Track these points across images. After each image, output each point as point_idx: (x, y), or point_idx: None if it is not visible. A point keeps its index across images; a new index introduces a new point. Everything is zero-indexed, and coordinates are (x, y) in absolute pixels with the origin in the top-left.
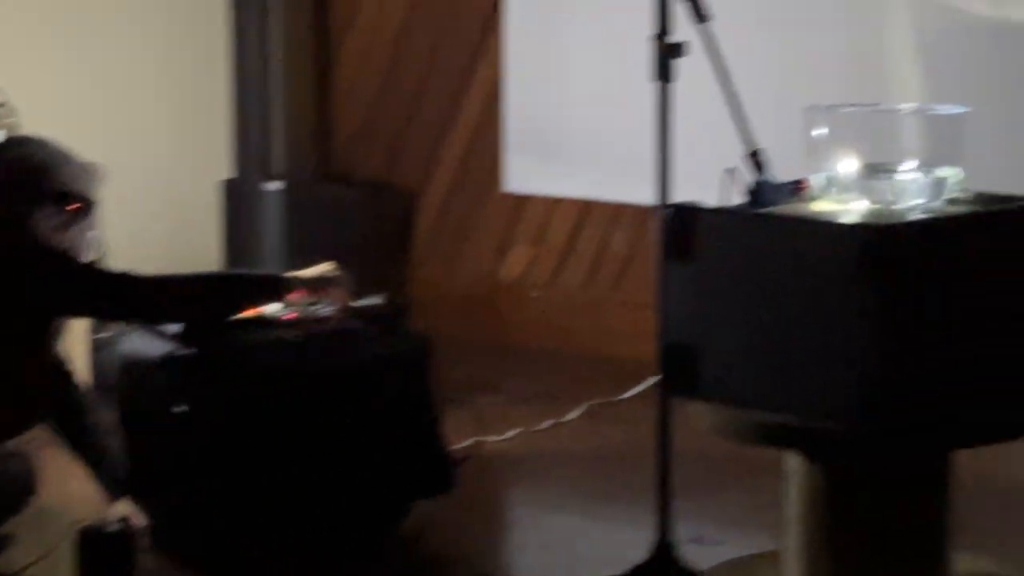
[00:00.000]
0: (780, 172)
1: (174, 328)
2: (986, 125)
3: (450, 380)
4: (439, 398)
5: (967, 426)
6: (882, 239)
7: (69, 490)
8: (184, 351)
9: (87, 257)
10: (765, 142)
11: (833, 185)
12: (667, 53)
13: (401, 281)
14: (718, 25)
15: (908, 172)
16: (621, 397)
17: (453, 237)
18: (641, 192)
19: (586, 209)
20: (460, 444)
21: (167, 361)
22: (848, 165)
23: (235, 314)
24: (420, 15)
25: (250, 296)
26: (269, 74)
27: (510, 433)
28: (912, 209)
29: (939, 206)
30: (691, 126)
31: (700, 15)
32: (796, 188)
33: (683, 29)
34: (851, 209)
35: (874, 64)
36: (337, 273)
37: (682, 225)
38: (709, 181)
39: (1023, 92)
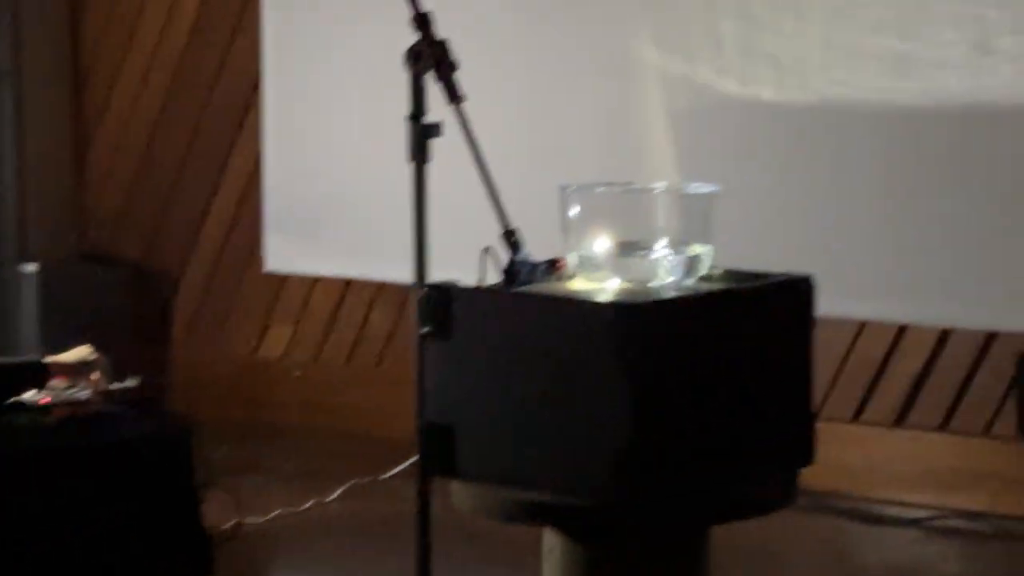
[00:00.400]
0: (536, 251)
1: None
2: (738, 203)
3: (211, 461)
4: (199, 480)
5: (720, 501)
6: (634, 317)
7: None
8: None
9: None
10: (521, 221)
11: (588, 264)
12: (422, 134)
13: (161, 363)
14: (473, 105)
15: (661, 250)
16: (383, 476)
17: (214, 318)
18: (401, 270)
19: (347, 288)
20: (221, 526)
21: None
22: (602, 244)
23: None
24: (180, 95)
25: (6, 382)
26: (25, 156)
27: (272, 513)
28: (665, 287)
29: (692, 284)
30: (448, 205)
31: (454, 96)
32: (552, 267)
33: (438, 110)
34: (605, 287)
35: (628, 143)
36: (94, 356)
37: (439, 304)
38: (467, 260)
39: (772, 170)
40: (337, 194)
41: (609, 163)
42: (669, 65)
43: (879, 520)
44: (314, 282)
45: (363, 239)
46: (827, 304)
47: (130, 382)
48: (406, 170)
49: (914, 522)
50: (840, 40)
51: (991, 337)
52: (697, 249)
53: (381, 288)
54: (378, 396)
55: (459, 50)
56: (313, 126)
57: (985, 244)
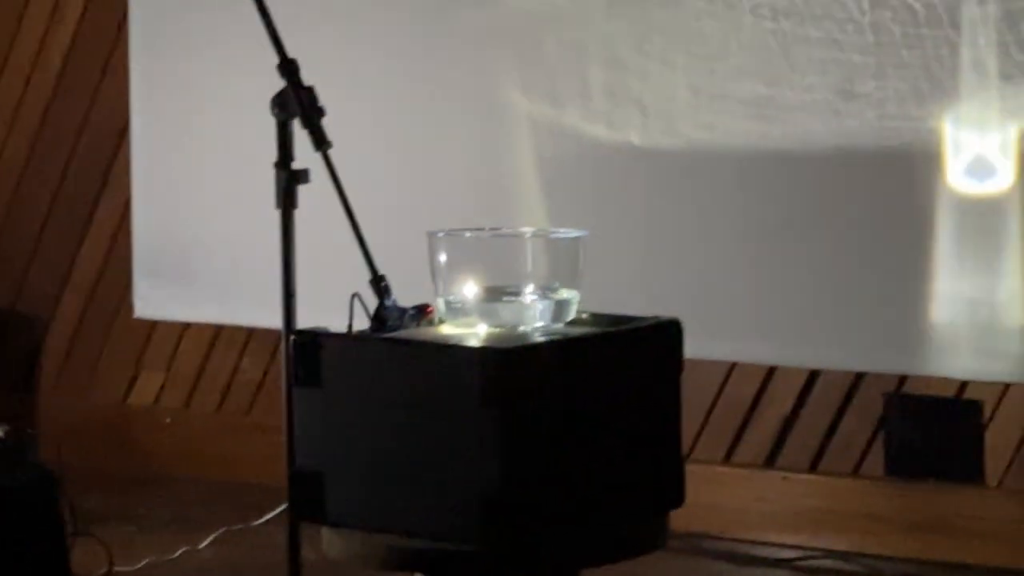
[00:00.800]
0: (404, 297)
1: None
2: (606, 246)
3: (81, 510)
4: (69, 528)
5: (591, 544)
6: (502, 362)
7: None
8: None
9: None
10: (390, 267)
11: (456, 309)
12: (289, 180)
13: (30, 410)
14: (340, 151)
15: (529, 295)
16: (255, 523)
17: (84, 364)
18: (271, 316)
19: (217, 334)
20: (91, 575)
21: None
22: (470, 289)
23: None
24: (48, 138)
25: None
26: None
27: (142, 562)
28: (533, 332)
29: (560, 328)
30: (317, 251)
31: (321, 142)
32: (420, 313)
33: (306, 156)
34: (474, 332)
35: (496, 188)
36: None
37: (308, 351)
38: (337, 306)
39: (640, 214)
40: (207, 240)
41: (478, 208)
42: (537, 110)
43: (750, 561)
44: (184, 328)
45: (233, 285)
46: (697, 346)
47: None
48: (275, 216)
49: (784, 562)
50: (705, 85)
51: (858, 378)
52: (565, 293)
53: (252, 334)
54: (249, 443)
55: (326, 96)
56: (182, 171)
57: (852, 286)
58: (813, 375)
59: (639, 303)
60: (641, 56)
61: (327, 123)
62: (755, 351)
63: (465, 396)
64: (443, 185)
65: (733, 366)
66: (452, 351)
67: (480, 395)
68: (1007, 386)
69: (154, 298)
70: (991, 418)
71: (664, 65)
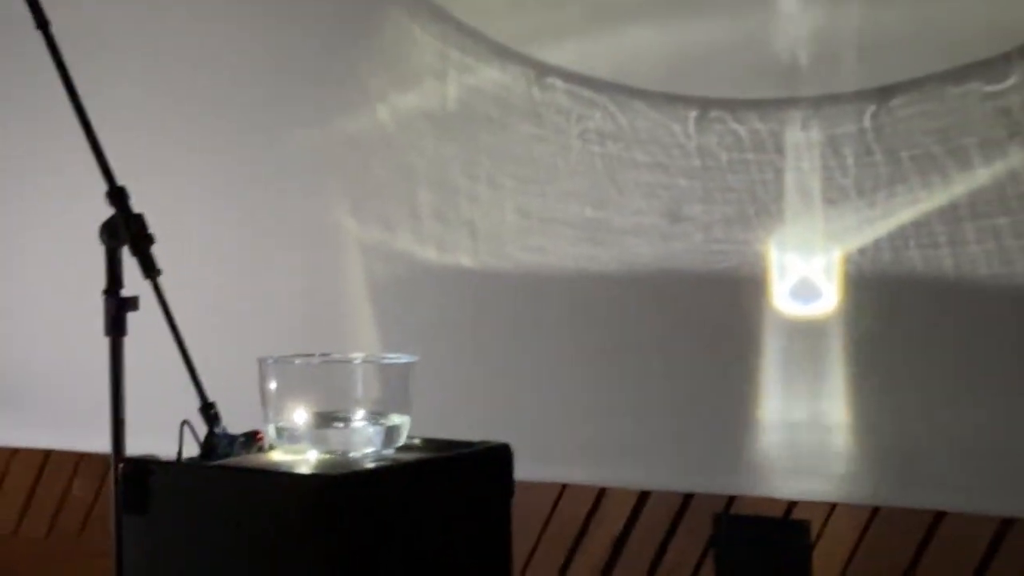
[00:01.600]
0: (235, 424)
1: None
2: (437, 371)
3: None
4: None
5: None
6: (332, 488)
7: None
8: None
9: None
10: (220, 393)
11: (287, 435)
12: (118, 307)
13: None
14: (169, 279)
15: (360, 421)
16: None
17: None
18: (101, 441)
19: (46, 459)
20: None
21: None
22: (301, 415)
23: None
24: None
25: None
26: None
27: None
28: (364, 458)
29: (391, 454)
30: (147, 378)
31: (150, 270)
32: (251, 440)
33: (135, 283)
34: (305, 459)
35: (327, 313)
36: None
37: (136, 478)
38: (167, 433)
39: (471, 337)
40: (35, 366)
41: (309, 333)
42: (367, 233)
43: None
44: (12, 454)
45: (62, 410)
46: (528, 469)
47: None
48: (104, 343)
49: None
50: (535, 208)
51: (688, 498)
52: (396, 419)
53: (82, 459)
54: (79, 570)
55: (155, 224)
56: (11, 297)
57: (681, 407)
58: (643, 496)
59: (470, 427)
60: (470, 179)
61: (157, 249)
62: (586, 473)
63: (295, 523)
64: (274, 310)
65: (564, 488)
66: (281, 478)
67: (310, 522)
68: (833, 506)
69: None
70: (818, 538)
71: (493, 188)
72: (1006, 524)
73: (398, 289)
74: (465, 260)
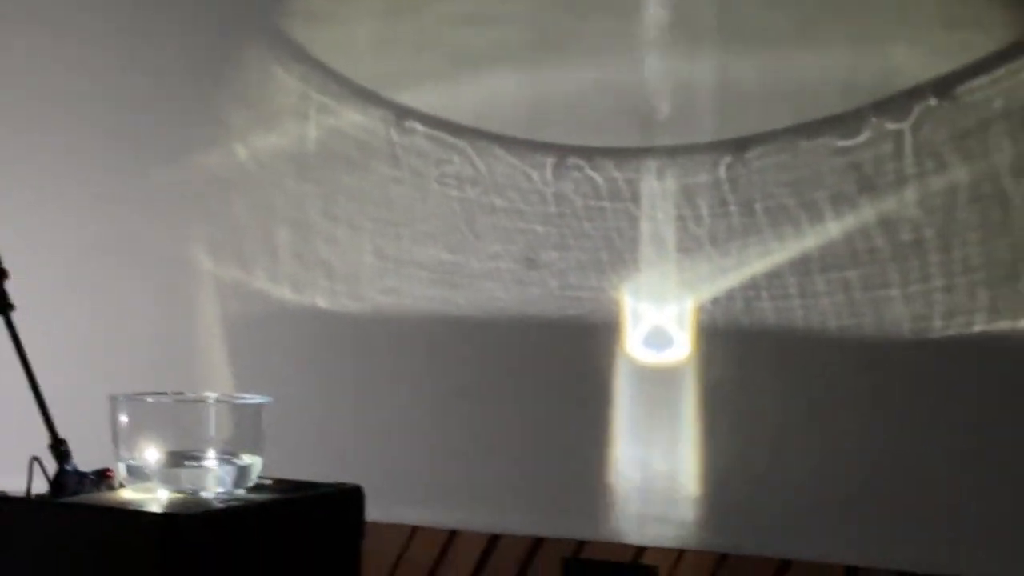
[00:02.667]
0: (86, 461)
1: None
2: (291, 411)
3: None
4: None
5: None
6: (182, 528)
7: None
8: None
9: None
10: (71, 430)
11: (137, 473)
12: None
13: None
14: (22, 313)
15: (211, 460)
16: None
17: None
18: None
19: None
20: None
21: None
22: (152, 454)
23: None
24: None
25: None
26: None
27: None
28: (215, 497)
29: (242, 494)
30: None
31: (2, 304)
32: (101, 477)
33: None
34: (155, 497)
35: (182, 351)
36: None
37: None
38: (16, 469)
39: (325, 378)
40: None
41: (163, 370)
42: (224, 271)
43: None
44: None
45: None
46: (379, 511)
47: None
48: None
49: None
50: (391, 250)
51: (538, 542)
52: (247, 459)
53: None
54: None
55: (9, 258)
56: None
57: (533, 452)
58: (493, 539)
59: (323, 468)
60: (328, 219)
61: (10, 284)
62: (436, 515)
63: (143, 562)
64: (128, 347)
65: (415, 530)
66: (130, 516)
67: (158, 562)
68: (681, 552)
69: None
70: None
71: (351, 229)
72: (850, 572)
73: (253, 328)
74: (321, 300)
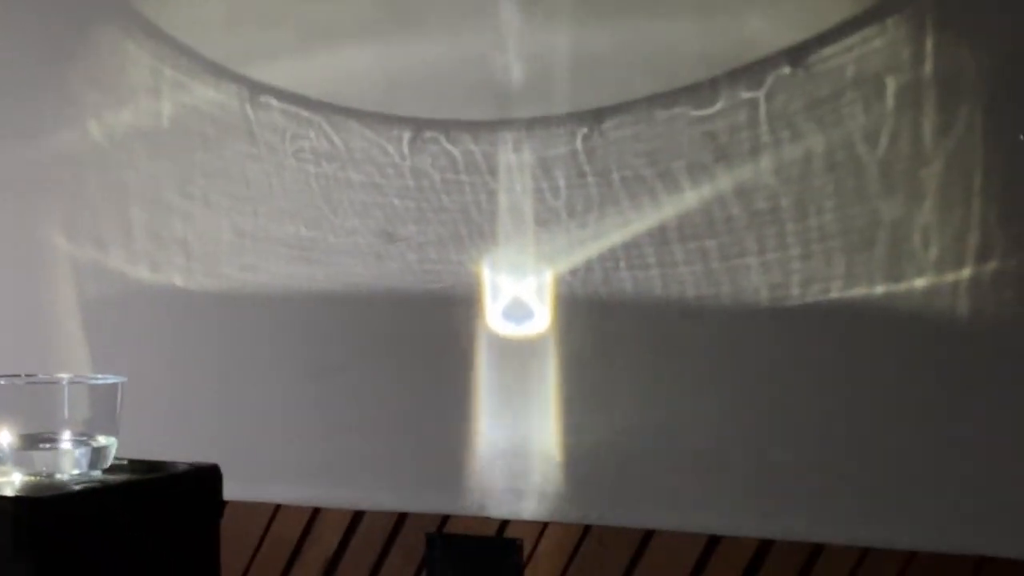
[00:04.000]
0: None
1: None
2: (149, 391)
3: None
4: None
5: None
6: (36, 511)
7: None
8: None
9: None
10: None
11: None
12: None
13: None
14: None
15: (66, 442)
16: None
17: None
18: None
19: None
20: None
21: None
22: (5, 437)
23: None
24: None
25: None
26: None
27: None
28: (71, 480)
29: (97, 475)
30: None
31: None
32: None
33: None
34: (9, 481)
35: (38, 333)
36: None
37: None
38: None
39: (183, 357)
40: None
41: (17, 352)
42: (79, 252)
43: None
44: None
45: None
46: (240, 490)
47: None
48: None
49: None
50: (248, 227)
51: (402, 518)
52: (103, 440)
53: None
54: None
55: None
56: None
57: (395, 427)
58: (357, 516)
59: (181, 448)
60: (184, 198)
61: None
62: (299, 493)
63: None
64: None
65: (277, 508)
66: None
67: (13, 546)
68: (545, 525)
69: None
70: (530, 556)
71: (207, 207)
72: (713, 541)
73: (109, 308)
74: (178, 279)
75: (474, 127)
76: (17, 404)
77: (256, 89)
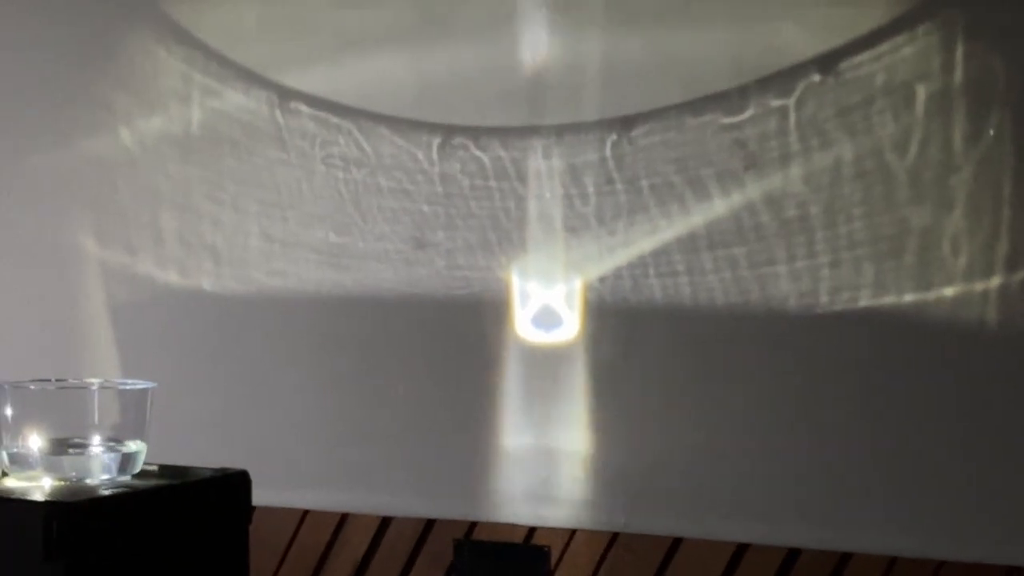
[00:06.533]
0: None
1: None
2: (178, 396)
3: None
4: None
5: None
6: (67, 516)
7: None
8: None
9: None
10: None
11: (20, 462)
12: None
13: None
14: None
15: (96, 447)
16: None
17: None
18: None
19: None
20: None
21: None
22: (35, 441)
23: None
24: None
25: None
26: None
27: None
28: (100, 485)
29: (126, 480)
30: None
31: None
32: None
33: None
34: (39, 486)
35: (68, 335)
36: None
37: None
38: None
39: (213, 362)
40: None
41: (46, 358)
42: (109, 256)
43: None
44: None
45: None
46: (270, 495)
47: None
48: None
49: None
50: (278, 232)
51: (429, 524)
52: (132, 445)
53: None
54: None
55: None
56: None
57: (423, 433)
58: (385, 522)
59: (210, 453)
60: (214, 203)
61: None
62: (328, 499)
63: (29, 551)
64: (11, 333)
65: (305, 514)
66: (13, 505)
67: (44, 550)
68: (573, 532)
69: None
70: (559, 563)
71: (237, 212)
72: (741, 549)
73: (139, 313)
74: (207, 284)
75: (503, 133)
76: (47, 409)
77: (286, 95)
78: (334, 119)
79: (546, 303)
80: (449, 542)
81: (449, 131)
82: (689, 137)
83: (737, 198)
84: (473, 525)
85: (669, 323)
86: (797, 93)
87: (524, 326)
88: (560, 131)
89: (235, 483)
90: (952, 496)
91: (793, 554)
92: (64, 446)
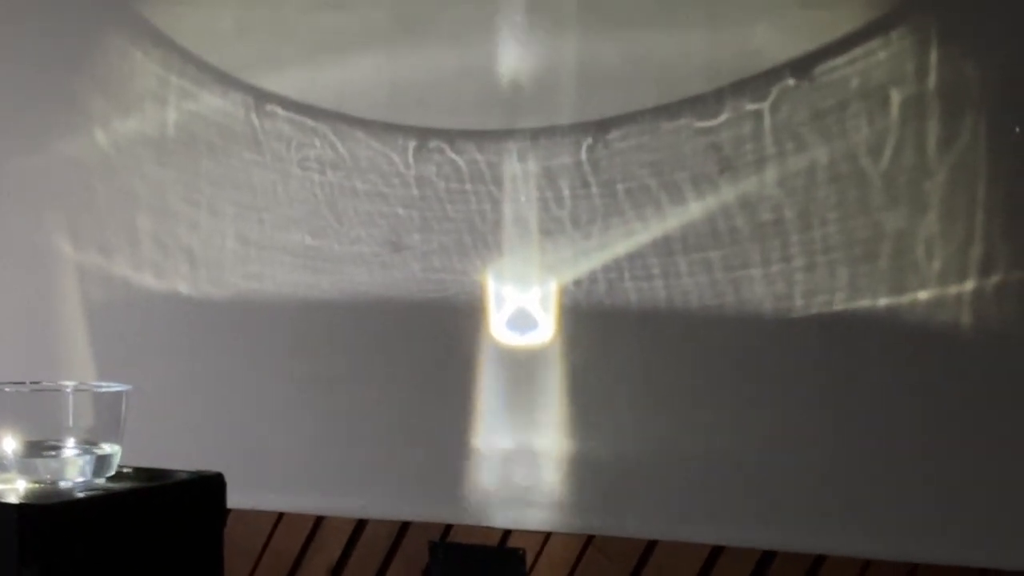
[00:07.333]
0: None
1: None
2: (153, 398)
3: None
4: None
5: None
6: (41, 519)
7: None
8: None
9: None
10: None
11: None
12: None
13: None
14: None
15: (70, 450)
16: None
17: None
18: None
19: None
20: None
21: None
22: (9, 444)
23: None
24: None
25: None
26: None
27: None
28: (75, 487)
29: (101, 483)
30: None
31: None
32: None
33: None
34: (13, 488)
35: (42, 337)
36: None
37: None
38: None
39: (188, 365)
40: None
41: (20, 360)
42: (85, 258)
43: None
44: None
45: None
46: (245, 498)
47: None
48: None
49: None
50: (254, 235)
51: (404, 527)
52: (107, 448)
53: None
54: None
55: None
56: None
57: (397, 435)
58: (360, 524)
59: (186, 456)
60: (190, 205)
61: None
62: (302, 501)
63: (3, 555)
64: None
65: (280, 516)
66: None
67: (17, 553)
68: (548, 534)
69: None
70: (534, 565)
71: (213, 215)
72: (716, 551)
73: (114, 315)
74: (183, 287)
75: (479, 137)
76: (22, 411)
77: (262, 98)
78: (310, 122)
79: (521, 306)
80: (424, 545)
81: (425, 134)
82: (664, 141)
83: (712, 202)
84: (448, 528)
85: (644, 326)
86: (772, 97)
87: (499, 329)
88: (535, 135)
89: (210, 486)
90: (926, 498)
91: (767, 556)
92: (38, 448)
